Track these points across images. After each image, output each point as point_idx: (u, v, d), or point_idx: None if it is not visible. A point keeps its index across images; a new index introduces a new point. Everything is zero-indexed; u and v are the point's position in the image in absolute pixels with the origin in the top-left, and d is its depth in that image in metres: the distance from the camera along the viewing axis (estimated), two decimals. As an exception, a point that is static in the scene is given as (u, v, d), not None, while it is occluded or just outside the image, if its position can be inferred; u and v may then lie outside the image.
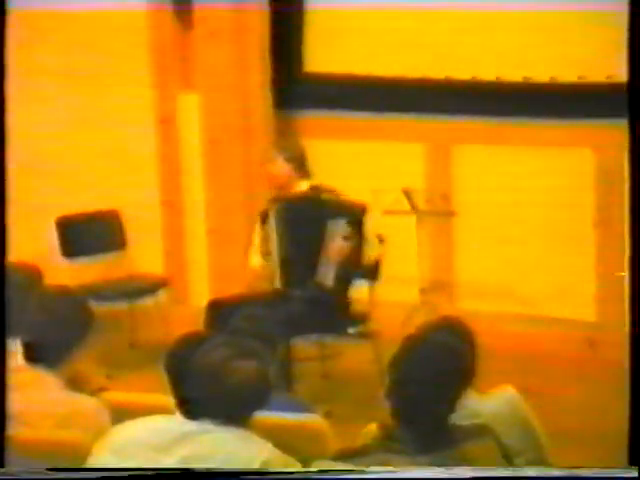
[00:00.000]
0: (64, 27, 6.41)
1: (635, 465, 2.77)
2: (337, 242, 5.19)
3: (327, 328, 5.21)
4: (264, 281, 5.42)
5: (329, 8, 6.36)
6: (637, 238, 2.91)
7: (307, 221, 5.28)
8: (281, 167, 5.34)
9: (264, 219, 5.42)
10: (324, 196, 5.28)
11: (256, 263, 5.44)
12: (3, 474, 2.85)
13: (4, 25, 3.08)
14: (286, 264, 5.28)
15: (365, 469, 2.75)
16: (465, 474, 2.72)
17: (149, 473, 2.81)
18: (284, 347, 4.83)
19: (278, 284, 5.28)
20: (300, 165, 5.37)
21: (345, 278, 5.29)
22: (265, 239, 5.41)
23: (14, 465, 2.96)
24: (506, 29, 6.06)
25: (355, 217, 5.26)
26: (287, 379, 4.87)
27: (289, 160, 5.34)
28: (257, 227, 5.49)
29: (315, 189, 5.37)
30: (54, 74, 6.47)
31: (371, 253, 5.29)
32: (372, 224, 5.31)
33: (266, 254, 5.39)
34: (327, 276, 5.22)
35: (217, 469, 2.79)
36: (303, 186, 5.39)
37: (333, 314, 5.20)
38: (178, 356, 3.10)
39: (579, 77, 6.02)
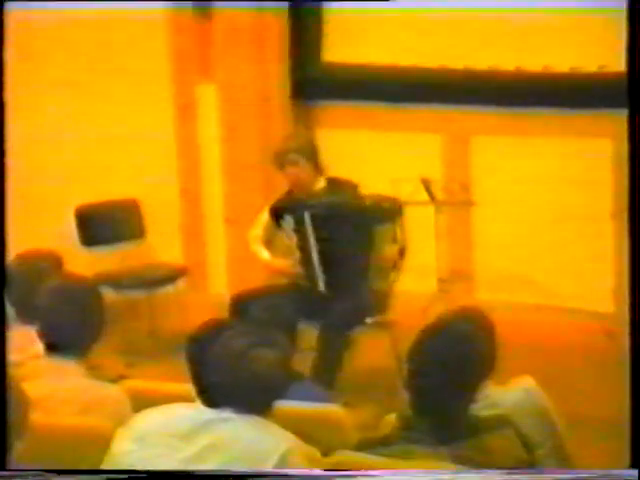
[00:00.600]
0: (85, 20, 6.42)
1: (636, 467, 2.77)
2: (387, 247, 5.19)
3: (357, 319, 5.23)
4: (280, 276, 5.43)
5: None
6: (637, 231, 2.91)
7: (349, 226, 5.20)
8: (301, 170, 5.29)
9: (276, 214, 5.38)
10: (366, 201, 5.22)
11: (266, 256, 5.44)
12: (4, 476, 2.87)
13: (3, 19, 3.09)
14: (330, 268, 5.25)
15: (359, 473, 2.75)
16: (463, 475, 2.72)
17: (145, 473, 2.82)
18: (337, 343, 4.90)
19: (322, 287, 5.26)
20: (315, 161, 5.33)
21: (392, 278, 5.30)
22: (269, 231, 5.40)
23: (32, 454, 2.98)
24: (524, 19, 6.04)
25: (396, 217, 5.24)
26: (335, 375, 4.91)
27: (308, 160, 5.29)
28: (264, 219, 5.45)
29: (333, 183, 5.35)
30: (78, 64, 6.48)
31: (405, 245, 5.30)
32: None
33: (267, 247, 5.39)
34: (380, 279, 5.25)
35: (218, 471, 2.80)
36: (321, 182, 5.36)
37: (379, 309, 5.23)
38: (199, 344, 3.11)
39: (599, 67, 5.99)
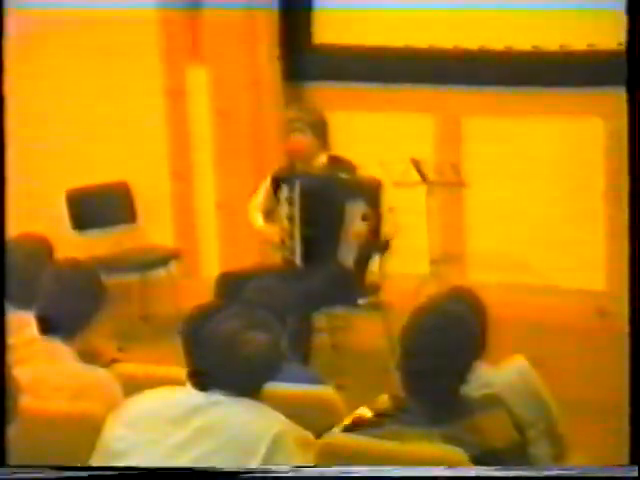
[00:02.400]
0: (74, 4, 6.39)
1: (635, 464, 2.77)
2: (356, 223, 5.21)
3: (339, 301, 5.24)
4: (269, 244, 5.45)
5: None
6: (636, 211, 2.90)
7: (327, 201, 5.26)
8: (307, 141, 5.32)
9: (276, 183, 5.41)
10: (342, 175, 5.27)
11: (260, 223, 5.46)
12: (4, 473, 2.86)
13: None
14: (307, 242, 5.29)
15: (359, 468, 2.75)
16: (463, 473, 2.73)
17: (145, 472, 2.82)
18: (302, 320, 4.90)
19: (299, 261, 5.29)
20: (322, 136, 5.36)
21: (364, 257, 5.32)
22: (269, 199, 5.41)
23: (24, 440, 2.97)
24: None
25: (372, 196, 5.27)
26: (304, 352, 4.91)
27: (313, 131, 5.32)
28: (266, 187, 5.49)
29: (333, 160, 5.37)
30: (62, 49, 6.45)
31: (387, 230, 5.31)
32: (386, 199, 5.32)
33: (268, 215, 5.41)
34: (348, 256, 5.26)
35: (217, 469, 2.80)
36: (322, 158, 5.38)
37: (348, 288, 5.24)
38: (193, 326, 3.10)
39: (589, 45, 5.98)
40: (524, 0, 6.01)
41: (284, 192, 5.36)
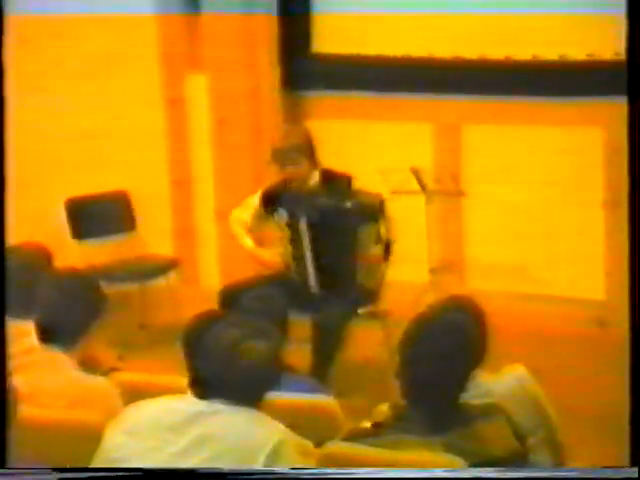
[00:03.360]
0: (74, 13, 6.40)
1: (635, 465, 2.77)
2: (370, 248, 5.21)
3: (352, 314, 5.26)
4: (265, 268, 5.43)
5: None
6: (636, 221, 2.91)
7: (337, 230, 5.22)
8: (303, 167, 5.25)
9: (268, 202, 5.36)
10: (347, 204, 5.21)
11: (250, 244, 5.42)
12: (4, 473, 2.87)
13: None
14: (322, 270, 5.27)
15: (360, 470, 2.75)
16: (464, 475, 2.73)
17: (143, 471, 2.82)
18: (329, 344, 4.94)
19: (316, 287, 5.29)
20: (312, 157, 5.30)
21: (377, 273, 5.33)
22: (258, 218, 5.37)
23: (24, 448, 2.97)
24: (514, 7, 6.04)
25: (378, 215, 5.25)
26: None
27: (307, 157, 5.25)
28: (255, 205, 5.42)
29: (327, 176, 5.32)
30: (63, 57, 6.46)
31: (391, 240, 5.33)
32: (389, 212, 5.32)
33: (255, 235, 5.40)
34: (369, 278, 5.27)
35: (218, 470, 2.80)
36: (315, 175, 5.34)
37: (360, 303, 5.26)
38: (193, 336, 3.10)
39: (588, 55, 5.99)
40: (524, 9, 6.02)
41: (282, 216, 5.30)
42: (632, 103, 2.87)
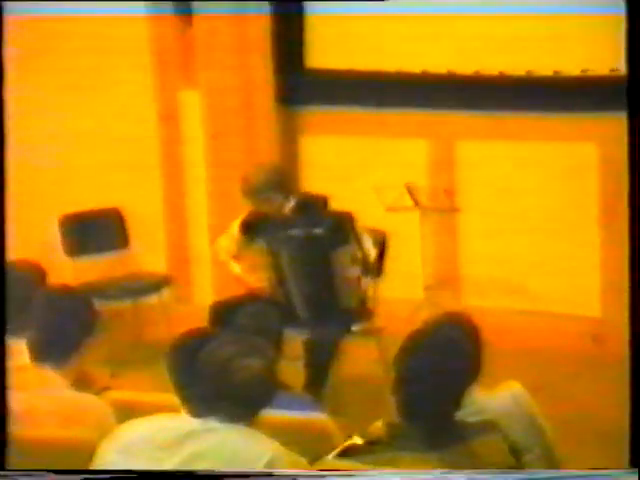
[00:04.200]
0: (66, 27, 6.40)
1: (635, 466, 2.76)
2: (348, 270, 5.25)
3: (341, 331, 5.28)
4: (252, 291, 5.47)
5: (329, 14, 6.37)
6: (637, 237, 2.90)
7: (312, 256, 5.28)
8: (273, 201, 5.31)
9: (247, 230, 5.43)
10: (316, 231, 5.27)
11: (238, 271, 5.51)
12: (4, 476, 2.85)
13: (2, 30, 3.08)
14: (306, 297, 5.32)
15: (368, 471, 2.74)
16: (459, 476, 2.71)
17: (149, 472, 2.80)
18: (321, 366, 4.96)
19: (304, 314, 5.33)
20: (285, 189, 5.35)
21: (361, 291, 5.36)
22: (236, 244, 5.45)
23: (16, 466, 2.96)
24: (509, 24, 6.05)
25: (350, 234, 5.30)
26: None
27: (278, 191, 5.31)
28: (234, 234, 5.49)
29: (302, 202, 5.36)
30: (57, 73, 6.46)
31: (370, 254, 5.34)
32: (361, 229, 5.34)
33: (239, 261, 5.46)
34: (350, 299, 5.30)
35: (217, 471, 2.78)
36: (291, 202, 5.36)
37: (348, 320, 5.28)
38: (183, 353, 3.09)
39: (582, 71, 6.00)
40: (518, 25, 6.03)
41: (261, 243, 5.37)
42: (631, 118, 2.87)
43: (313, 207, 5.34)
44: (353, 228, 5.31)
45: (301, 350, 5.12)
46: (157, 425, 2.93)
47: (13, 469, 2.88)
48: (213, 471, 2.79)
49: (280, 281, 5.36)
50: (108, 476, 2.81)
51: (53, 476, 2.81)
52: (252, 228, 5.41)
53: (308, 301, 5.32)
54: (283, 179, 5.42)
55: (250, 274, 5.47)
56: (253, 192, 5.35)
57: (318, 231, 5.27)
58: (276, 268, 5.36)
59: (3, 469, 2.88)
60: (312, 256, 5.28)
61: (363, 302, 5.41)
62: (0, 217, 3.01)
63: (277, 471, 2.78)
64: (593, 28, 5.89)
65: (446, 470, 2.70)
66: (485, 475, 2.73)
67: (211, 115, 6.48)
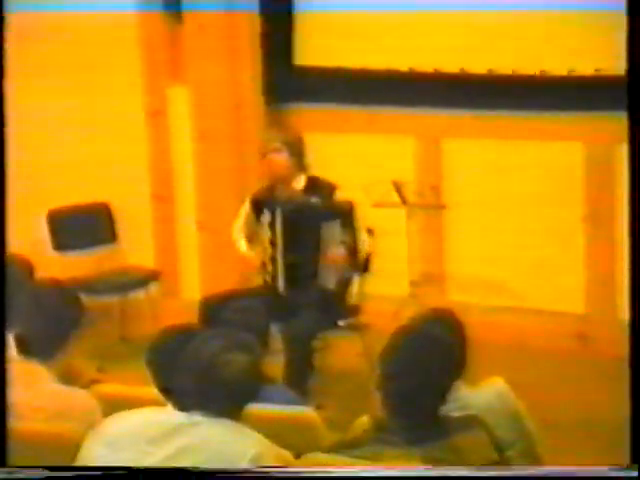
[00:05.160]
0: (54, 23, 6.40)
1: (636, 464, 2.78)
2: (334, 247, 5.25)
3: (322, 324, 5.27)
4: (253, 269, 5.48)
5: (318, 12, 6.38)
6: (637, 234, 2.92)
7: (304, 226, 5.31)
8: (283, 160, 5.35)
9: (257, 206, 5.44)
10: (314, 200, 5.31)
11: (244, 248, 5.50)
12: (3, 472, 2.86)
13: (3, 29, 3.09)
14: (288, 268, 5.33)
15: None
16: (464, 473, 2.74)
17: (144, 469, 2.82)
18: (295, 348, 4.96)
19: (282, 287, 5.34)
20: (298, 155, 5.39)
21: (345, 279, 5.37)
22: (250, 223, 5.46)
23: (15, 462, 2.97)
24: (496, 22, 6.07)
25: (346, 217, 5.31)
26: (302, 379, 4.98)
27: (291, 152, 5.35)
28: (246, 210, 5.52)
29: (312, 182, 5.40)
30: (43, 68, 6.45)
31: (363, 249, 5.36)
32: (361, 220, 5.36)
33: (251, 238, 5.46)
34: (328, 280, 5.30)
35: (212, 469, 2.80)
36: (301, 179, 5.41)
37: (329, 312, 5.28)
38: (162, 349, 3.11)
39: (569, 70, 6.02)
40: (505, 23, 6.06)
41: (266, 216, 5.39)
42: (632, 117, 2.89)
43: (322, 189, 5.36)
44: (349, 211, 5.31)
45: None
46: (143, 419, 2.94)
47: (14, 466, 2.89)
48: (213, 469, 2.80)
49: (273, 256, 5.34)
50: (106, 472, 2.82)
51: (52, 472, 2.82)
52: (261, 203, 5.41)
53: (289, 274, 5.30)
54: (299, 146, 5.43)
55: (251, 250, 5.47)
56: (266, 142, 5.40)
57: (314, 200, 5.29)
58: (272, 241, 5.34)
59: (3, 465, 2.89)
60: (303, 225, 5.28)
61: (344, 296, 5.41)
62: (0, 215, 3.01)
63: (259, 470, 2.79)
64: (579, 27, 5.92)
65: (446, 467, 2.72)
66: (485, 472, 2.75)
67: (199, 112, 6.49)
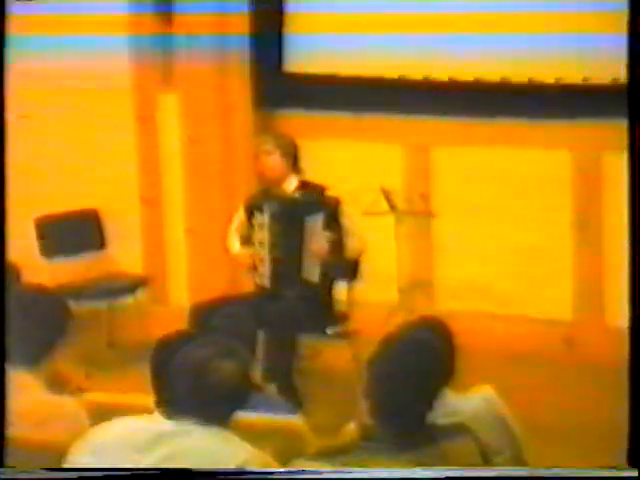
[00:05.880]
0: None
1: (635, 465, 2.78)
2: (317, 239, 5.28)
3: (308, 322, 5.28)
4: (244, 269, 5.50)
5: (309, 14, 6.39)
6: (636, 241, 2.93)
7: (289, 222, 5.35)
8: (275, 162, 5.40)
9: (250, 209, 5.48)
10: (297, 195, 5.36)
11: (236, 250, 5.53)
12: (3, 474, 2.85)
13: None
14: (275, 265, 5.37)
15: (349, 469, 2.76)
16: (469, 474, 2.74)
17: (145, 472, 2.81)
18: (280, 344, 4.96)
19: (268, 284, 5.38)
20: (291, 158, 5.46)
21: (329, 274, 5.38)
22: (244, 226, 5.50)
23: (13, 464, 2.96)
24: (484, 30, 6.09)
25: (331, 212, 5.33)
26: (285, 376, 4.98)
27: (283, 155, 5.40)
28: (240, 214, 5.57)
29: (304, 185, 5.44)
30: (33, 78, 6.44)
31: (352, 245, 5.38)
32: (349, 216, 5.40)
33: (245, 242, 5.49)
34: (312, 273, 5.33)
35: (212, 469, 2.79)
36: (292, 182, 5.43)
37: (316, 309, 5.29)
38: (162, 356, 3.10)
39: (556, 79, 6.04)
40: (494, 31, 6.07)
41: (257, 219, 5.42)
42: (631, 125, 2.90)
43: (311, 189, 5.42)
44: (334, 206, 5.37)
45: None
46: (131, 426, 2.93)
47: (12, 465, 2.88)
48: (213, 469, 2.79)
49: (262, 256, 5.38)
50: (108, 474, 2.82)
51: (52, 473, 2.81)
52: (254, 206, 5.47)
53: (275, 267, 5.34)
54: (292, 148, 5.51)
55: (246, 251, 5.50)
56: (259, 144, 5.50)
57: (297, 195, 5.35)
58: (261, 241, 5.39)
59: (2, 466, 2.89)
60: (288, 220, 5.34)
61: (331, 302, 5.42)
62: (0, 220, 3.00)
63: (256, 470, 2.79)
64: (568, 36, 5.94)
65: (446, 469, 2.72)
66: (486, 472, 2.75)
67: (189, 118, 6.49)
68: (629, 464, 2.80)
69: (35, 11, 6.07)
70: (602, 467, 2.81)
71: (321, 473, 2.80)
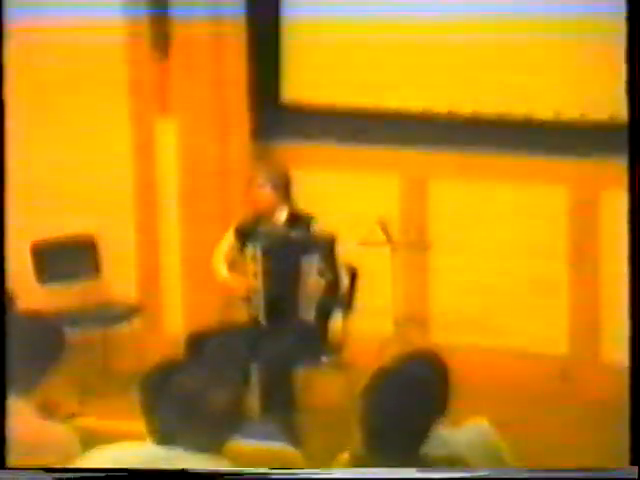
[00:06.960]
0: (44, 53, 6.41)
1: (635, 465, 2.77)
2: (313, 278, 5.32)
3: (303, 358, 5.30)
4: (234, 296, 5.47)
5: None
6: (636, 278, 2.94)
7: (284, 259, 5.40)
8: (266, 195, 5.46)
9: (240, 236, 5.54)
10: (294, 233, 5.40)
11: (224, 275, 5.57)
12: (3, 473, 2.84)
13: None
14: (270, 300, 5.40)
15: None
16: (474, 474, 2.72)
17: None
18: (275, 379, 4.96)
19: (263, 319, 5.40)
20: (284, 192, 5.51)
21: (325, 311, 5.42)
22: (233, 252, 5.56)
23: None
24: (484, 63, 6.12)
25: (326, 250, 5.37)
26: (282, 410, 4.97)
27: (275, 187, 5.46)
28: (230, 240, 5.62)
29: (293, 216, 5.48)
30: (36, 100, 6.45)
31: (343, 285, 5.44)
32: (342, 254, 5.44)
33: (232, 267, 5.54)
34: (308, 312, 5.35)
35: (211, 471, 2.78)
36: (283, 212, 5.47)
37: (311, 345, 5.31)
38: (153, 384, 3.09)
39: (555, 113, 6.07)
40: (491, 65, 6.10)
41: (249, 250, 5.45)
42: (632, 163, 2.92)
43: (300, 221, 5.48)
44: (330, 244, 5.41)
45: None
46: (123, 453, 2.92)
47: (13, 467, 2.87)
48: (214, 470, 2.78)
49: (256, 289, 5.42)
50: (108, 474, 2.81)
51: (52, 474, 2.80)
52: (245, 234, 5.52)
53: (270, 308, 5.37)
54: (283, 179, 5.56)
55: (234, 278, 5.53)
56: (252, 177, 5.57)
57: (294, 234, 5.40)
58: (255, 274, 5.43)
59: (3, 467, 2.87)
60: (283, 258, 5.37)
61: (326, 333, 5.43)
62: (0, 226, 3.01)
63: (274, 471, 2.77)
64: (565, 72, 5.98)
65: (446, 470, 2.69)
66: (486, 472, 2.73)
67: (187, 146, 6.50)
68: (630, 464, 2.79)
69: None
70: (602, 467, 2.80)
71: (320, 475, 2.79)
